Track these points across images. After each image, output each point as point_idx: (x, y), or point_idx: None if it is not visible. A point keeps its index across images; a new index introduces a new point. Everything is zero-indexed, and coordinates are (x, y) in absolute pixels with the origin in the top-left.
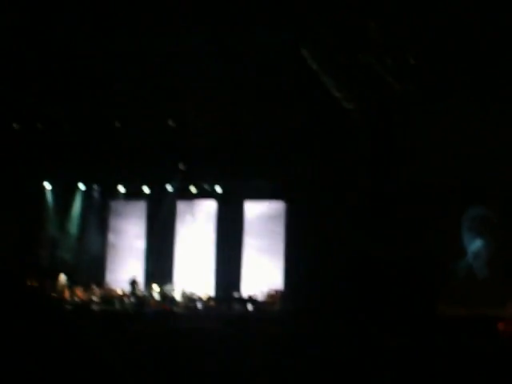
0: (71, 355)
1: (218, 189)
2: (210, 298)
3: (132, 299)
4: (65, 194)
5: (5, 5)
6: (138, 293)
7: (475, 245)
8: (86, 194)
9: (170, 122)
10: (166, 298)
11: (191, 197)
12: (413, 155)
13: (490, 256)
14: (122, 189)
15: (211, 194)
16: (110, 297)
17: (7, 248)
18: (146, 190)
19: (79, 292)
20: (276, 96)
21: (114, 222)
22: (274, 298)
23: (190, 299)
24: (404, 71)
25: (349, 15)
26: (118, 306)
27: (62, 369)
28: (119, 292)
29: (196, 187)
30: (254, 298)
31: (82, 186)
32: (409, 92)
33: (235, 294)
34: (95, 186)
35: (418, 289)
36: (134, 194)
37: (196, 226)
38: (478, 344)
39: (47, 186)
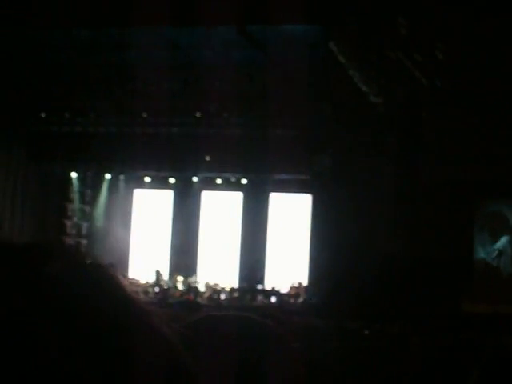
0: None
1: (244, 181)
2: (233, 290)
3: (156, 289)
4: (91, 183)
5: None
6: (162, 283)
7: (501, 241)
8: (112, 184)
9: (198, 114)
10: (190, 288)
11: (217, 188)
12: (439, 152)
13: None
14: (147, 179)
15: (237, 186)
16: (134, 287)
17: (34, 237)
18: (171, 180)
19: None
20: (303, 89)
21: (140, 212)
22: (297, 290)
23: (213, 290)
24: (432, 67)
25: (378, 9)
26: (141, 296)
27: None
28: (143, 282)
29: (221, 179)
30: (278, 290)
31: (107, 176)
32: (437, 88)
33: (259, 286)
34: (121, 176)
35: (441, 286)
36: (159, 185)
37: (221, 217)
38: (503, 341)
39: (73, 175)
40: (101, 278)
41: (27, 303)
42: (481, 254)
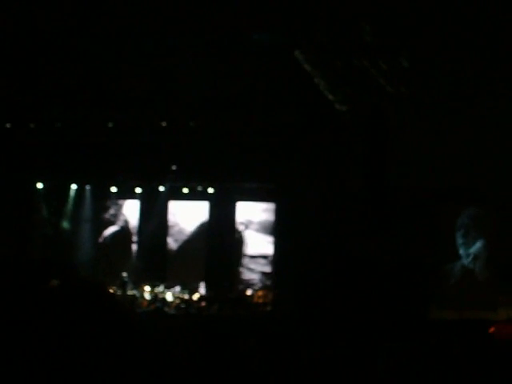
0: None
1: (211, 190)
2: (201, 299)
3: (122, 299)
4: (57, 194)
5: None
6: (129, 293)
7: (475, 246)
8: (78, 194)
9: (163, 123)
10: (157, 298)
11: (183, 197)
12: (406, 158)
13: (489, 257)
14: (114, 189)
15: (204, 195)
16: None
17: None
18: (138, 190)
19: None
20: (269, 98)
21: (105, 221)
22: (265, 298)
23: (181, 300)
24: (397, 74)
25: (343, 18)
26: None
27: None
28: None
29: (188, 188)
30: (245, 298)
31: (73, 186)
32: (402, 95)
33: (226, 295)
34: (87, 186)
35: (410, 292)
36: (126, 194)
37: (188, 226)
38: (470, 348)
39: (39, 186)
40: (98, 294)
41: (28, 317)
42: (456, 258)
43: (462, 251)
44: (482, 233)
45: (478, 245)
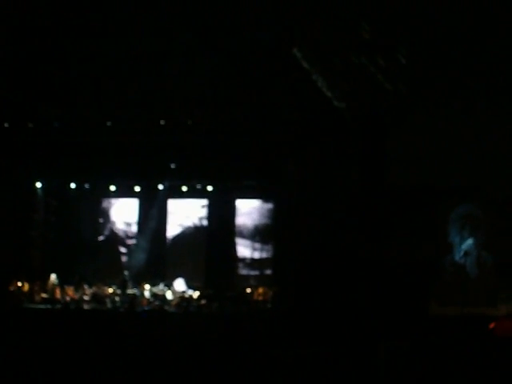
0: (61, 354)
1: (210, 188)
2: (201, 297)
3: (123, 298)
4: (56, 192)
5: None
6: (129, 292)
7: (466, 243)
8: (77, 193)
9: (162, 122)
10: (157, 296)
11: (183, 195)
12: (404, 155)
13: (480, 254)
14: (113, 187)
15: (203, 193)
16: (101, 296)
17: None
18: (137, 188)
19: (70, 291)
20: (267, 95)
21: (106, 220)
22: (264, 295)
23: (181, 298)
24: (396, 71)
25: (342, 15)
26: (109, 305)
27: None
28: (110, 291)
29: (187, 186)
30: (245, 295)
31: (72, 185)
32: (400, 92)
33: (226, 293)
34: (86, 185)
35: (410, 289)
36: (125, 193)
37: (187, 224)
38: (470, 343)
39: (38, 185)
40: None
41: None
42: (451, 256)
43: (455, 248)
44: (474, 230)
45: (470, 242)
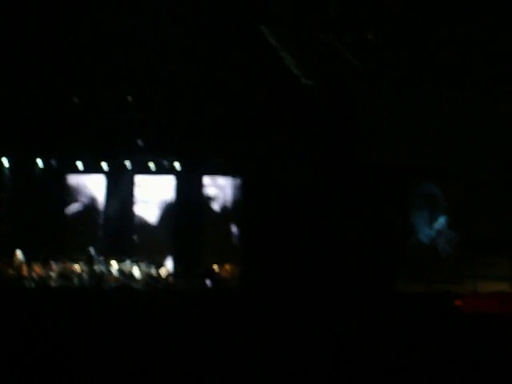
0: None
1: (177, 164)
2: (169, 274)
3: (90, 275)
4: (22, 169)
5: None
6: (96, 269)
7: (439, 222)
8: (43, 170)
9: (129, 98)
10: (125, 274)
11: (150, 172)
12: (372, 136)
13: (451, 233)
14: (79, 164)
15: (170, 170)
16: (68, 273)
17: None
18: (104, 165)
19: (37, 268)
20: (234, 72)
21: (73, 197)
22: (232, 272)
23: (148, 275)
24: (364, 48)
25: None
26: (76, 281)
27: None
28: (77, 268)
29: (154, 163)
30: (212, 272)
31: (39, 162)
32: (369, 70)
33: (193, 270)
34: (53, 161)
35: (375, 266)
36: (91, 169)
37: (155, 200)
38: (436, 320)
39: (4, 161)
40: None
41: None
42: (418, 235)
43: (422, 226)
44: (445, 209)
45: (441, 221)
